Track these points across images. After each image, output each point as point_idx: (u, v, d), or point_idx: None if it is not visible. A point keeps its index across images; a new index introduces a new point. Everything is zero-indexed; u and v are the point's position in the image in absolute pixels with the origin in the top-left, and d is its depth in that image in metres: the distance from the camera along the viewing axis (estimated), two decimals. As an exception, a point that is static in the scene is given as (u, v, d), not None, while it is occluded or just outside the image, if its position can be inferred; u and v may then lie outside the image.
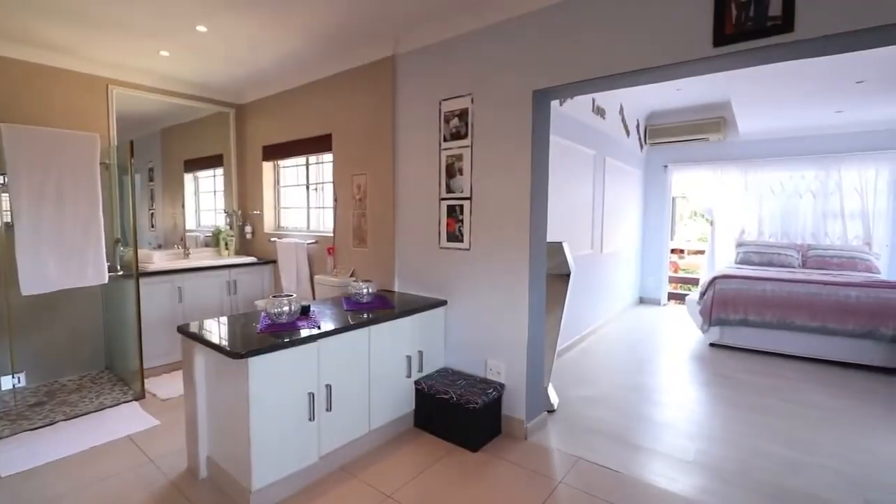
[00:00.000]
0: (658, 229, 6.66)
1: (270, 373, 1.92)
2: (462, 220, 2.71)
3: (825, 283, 4.14)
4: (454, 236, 2.76)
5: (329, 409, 2.16)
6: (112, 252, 3.37)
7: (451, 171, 2.75)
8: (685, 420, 2.90)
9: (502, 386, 2.58)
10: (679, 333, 5.08)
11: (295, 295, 2.28)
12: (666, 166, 6.49)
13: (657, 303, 6.66)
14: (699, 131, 5.90)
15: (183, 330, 2.17)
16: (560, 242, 2.92)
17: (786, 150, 5.68)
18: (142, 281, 3.30)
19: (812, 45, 1.75)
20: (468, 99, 2.65)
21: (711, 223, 6.26)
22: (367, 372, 2.36)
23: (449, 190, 2.77)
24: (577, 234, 4.34)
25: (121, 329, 3.43)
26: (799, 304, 4.11)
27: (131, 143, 3.13)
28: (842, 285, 4.08)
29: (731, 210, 6.10)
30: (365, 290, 2.68)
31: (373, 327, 2.36)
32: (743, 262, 5.59)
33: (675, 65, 1.97)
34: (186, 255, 4.13)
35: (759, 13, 1.80)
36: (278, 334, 2.06)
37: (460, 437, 2.44)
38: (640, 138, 6.23)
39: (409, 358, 2.58)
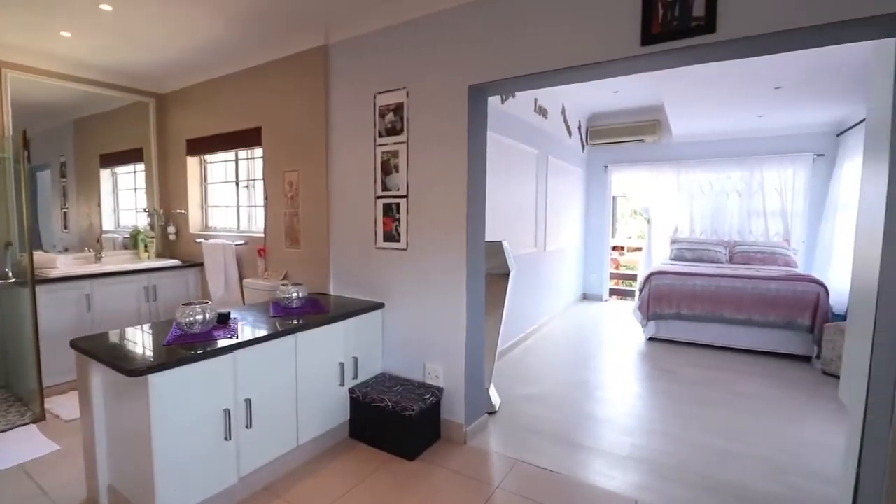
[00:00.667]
0: (600, 227, 6.85)
1: (177, 390, 1.72)
2: (399, 220, 2.60)
3: (749, 278, 4.39)
4: (391, 236, 2.64)
5: (249, 425, 1.98)
6: (2, 257, 2.97)
7: (387, 168, 2.63)
8: (625, 415, 2.95)
9: (441, 390, 2.50)
10: (620, 329, 5.23)
11: (211, 302, 2.07)
12: (606, 166, 6.69)
13: (599, 299, 6.86)
14: (636, 133, 6.12)
15: (76, 344, 1.91)
16: (500, 241, 2.87)
17: (714, 151, 6.00)
18: (42, 288, 2.94)
19: (734, 47, 1.78)
20: (403, 93, 2.54)
21: (648, 221, 6.52)
22: (295, 383, 2.19)
23: (385, 188, 2.65)
24: (520, 232, 4.34)
25: (17, 343, 3.04)
26: (726, 298, 4.33)
27: (24, 132, 2.77)
28: (763, 279, 4.33)
29: (666, 209, 6.37)
30: (294, 295, 2.51)
31: (300, 334, 2.19)
32: (676, 258, 5.85)
33: (605, 63, 1.96)
34: (98, 259, 3.73)
35: (683, 13, 1.81)
36: (190, 346, 1.86)
37: (397, 447, 2.33)
38: (581, 138, 6.37)
39: (342, 365, 2.44)
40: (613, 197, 7.01)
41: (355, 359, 2.52)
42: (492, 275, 2.79)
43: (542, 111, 4.77)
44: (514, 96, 4.02)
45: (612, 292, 7.09)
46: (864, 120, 4.52)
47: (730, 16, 1.70)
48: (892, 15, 1.46)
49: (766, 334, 4.23)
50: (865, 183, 1.96)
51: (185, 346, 1.87)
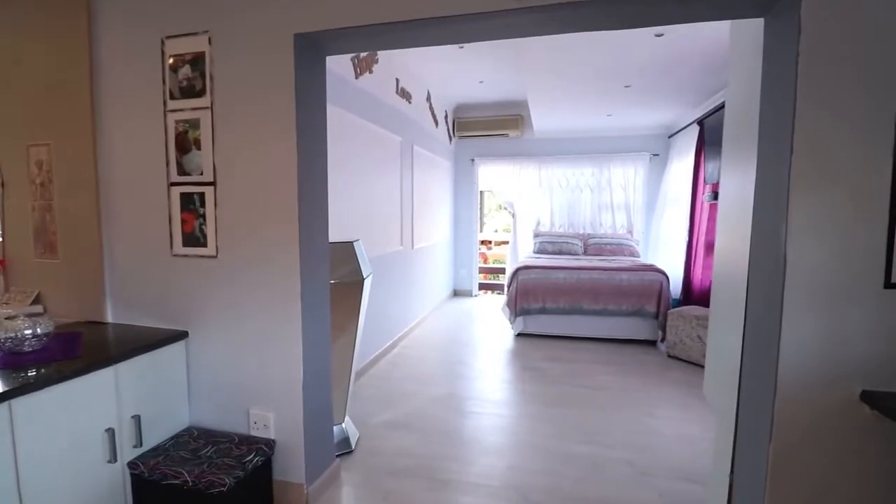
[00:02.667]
0: (468, 222, 6.73)
1: None
2: (204, 215, 1.89)
3: (604, 269, 4.56)
4: (194, 238, 1.91)
5: None
6: None
7: (184, 144, 1.89)
8: (495, 430, 2.67)
9: (272, 444, 1.88)
10: (489, 326, 5.11)
11: None
12: (473, 160, 6.57)
13: (470, 294, 6.75)
14: (501, 127, 6.09)
15: None
16: (351, 242, 2.34)
17: (570, 148, 6.27)
18: None
19: (603, 10, 1.52)
20: (204, 39, 1.83)
21: (513, 215, 6.58)
22: (14, 476, 1.37)
23: (182, 171, 1.90)
24: (383, 229, 3.85)
25: None
26: (585, 290, 4.44)
27: None
28: (616, 270, 4.54)
29: (529, 203, 6.49)
30: (28, 332, 1.64)
31: (20, 400, 1.37)
32: (539, 251, 5.98)
33: (465, 17, 1.56)
34: None
35: (555, -36, 1.49)
36: None
37: (204, 536, 1.66)
38: (448, 130, 6.12)
39: (111, 433, 1.65)
40: (480, 191, 6.96)
41: (137, 418, 1.74)
42: (342, 284, 2.25)
43: (405, 94, 4.33)
44: (371, 71, 3.48)
45: (482, 286, 7.05)
46: (690, 125, 5.02)
47: (607, -30, 1.41)
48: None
49: (618, 322, 4.43)
50: (726, 172, 1.89)
51: None
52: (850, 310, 1.32)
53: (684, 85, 3.98)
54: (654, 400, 3.11)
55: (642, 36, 2.84)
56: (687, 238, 4.87)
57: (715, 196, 3.81)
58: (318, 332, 1.97)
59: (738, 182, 1.76)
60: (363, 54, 3.31)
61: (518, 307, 4.51)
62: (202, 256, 1.91)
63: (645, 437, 2.58)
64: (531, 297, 4.50)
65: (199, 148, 1.86)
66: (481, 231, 7.19)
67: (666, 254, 5.56)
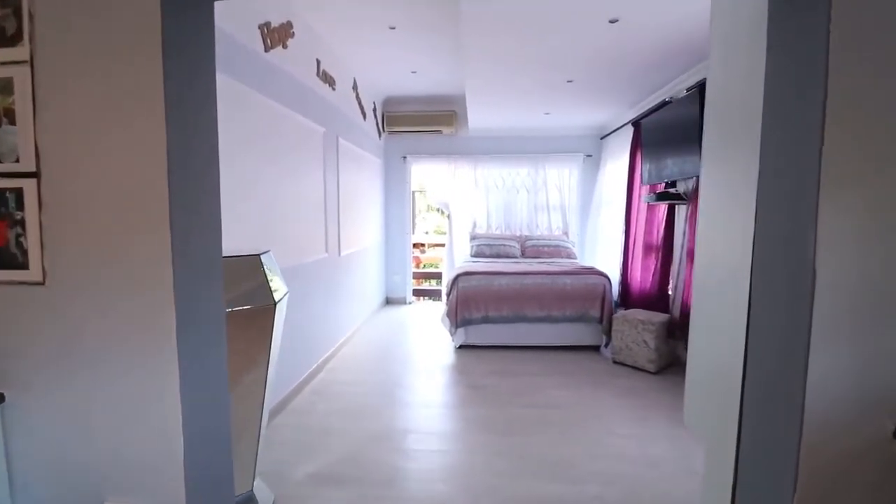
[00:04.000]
0: (400, 224, 6.29)
1: None
2: (23, 223, 1.28)
3: (548, 273, 4.35)
4: (8, 257, 1.29)
5: None
6: None
7: (-11, 116, 1.27)
8: (445, 473, 2.27)
9: (139, 548, 1.32)
10: (427, 336, 4.71)
11: None
12: (405, 157, 6.14)
13: (403, 302, 6.31)
14: (434, 123, 5.73)
15: None
16: (258, 255, 1.81)
17: (505, 147, 6.06)
18: None
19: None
20: (17, -40, 1.23)
21: (448, 217, 6.25)
22: None
23: (-13, 156, 1.28)
24: (304, 234, 3.30)
25: None
26: (529, 295, 4.20)
27: None
28: (559, 274, 4.35)
29: (465, 204, 6.20)
30: None
31: None
32: (477, 254, 5.69)
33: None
34: None
35: None
36: None
37: None
38: (377, 124, 5.64)
39: None
40: (412, 192, 6.54)
41: None
42: (245, 311, 1.72)
43: (328, 79, 3.79)
44: (285, 46, 2.93)
45: (416, 293, 6.64)
46: (624, 125, 4.98)
47: None
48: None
49: (563, 329, 4.24)
50: (710, 165, 1.64)
51: None
52: (882, 333, 1.09)
53: (626, 82, 3.87)
54: (610, 415, 2.90)
55: (595, 22, 2.61)
56: (623, 240, 4.84)
57: (657, 197, 3.73)
58: (209, 378, 1.44)
59: (727, 177, 1.51)
60: (274, 24, 2.75)
61: (459, 317, 4.15)
62: (21, 283, 1.29)
63: (610, 462, 2.33)
64: (473, 305, 4.17)
65: (11, 122, 1.25)
66: (413, 233, 6.78)
67: (602, 255, 5.53)
